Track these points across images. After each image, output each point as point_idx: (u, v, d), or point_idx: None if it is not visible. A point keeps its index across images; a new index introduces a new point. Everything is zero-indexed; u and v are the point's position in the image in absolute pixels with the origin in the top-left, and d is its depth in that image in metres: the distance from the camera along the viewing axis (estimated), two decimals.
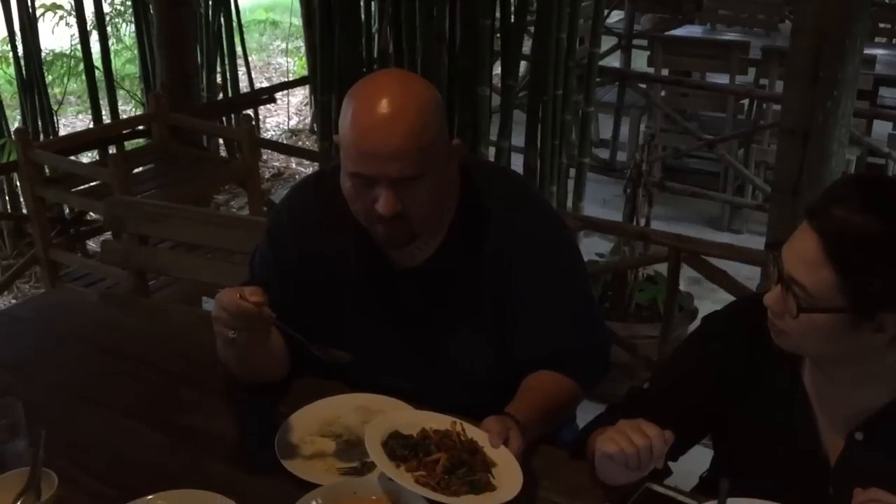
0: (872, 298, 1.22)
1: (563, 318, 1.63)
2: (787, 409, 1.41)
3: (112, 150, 4.43)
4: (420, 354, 1.65)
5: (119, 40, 6.99)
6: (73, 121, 7.08)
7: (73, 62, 6.23)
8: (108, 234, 3.54)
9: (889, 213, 1.21)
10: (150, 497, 1.37)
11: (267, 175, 6.02)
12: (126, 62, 7.40)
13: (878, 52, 5.46)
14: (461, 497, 1.30)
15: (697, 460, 1.69)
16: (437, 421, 1.45)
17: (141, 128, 4.34)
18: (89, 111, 5.13)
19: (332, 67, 4.08)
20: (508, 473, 1.34)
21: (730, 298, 3.23)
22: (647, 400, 1.52)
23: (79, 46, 4.95)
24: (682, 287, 3.27)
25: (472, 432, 1.42)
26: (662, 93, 5.30)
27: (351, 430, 1.55)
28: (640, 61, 6.74)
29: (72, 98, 7.22)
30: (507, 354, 1.63)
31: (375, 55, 4.22)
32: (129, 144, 4.74)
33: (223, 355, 1.57)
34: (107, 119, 4.95)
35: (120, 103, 5.18)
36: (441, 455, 1.35)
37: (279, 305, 1.65)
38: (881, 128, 5.16)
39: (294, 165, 6.23)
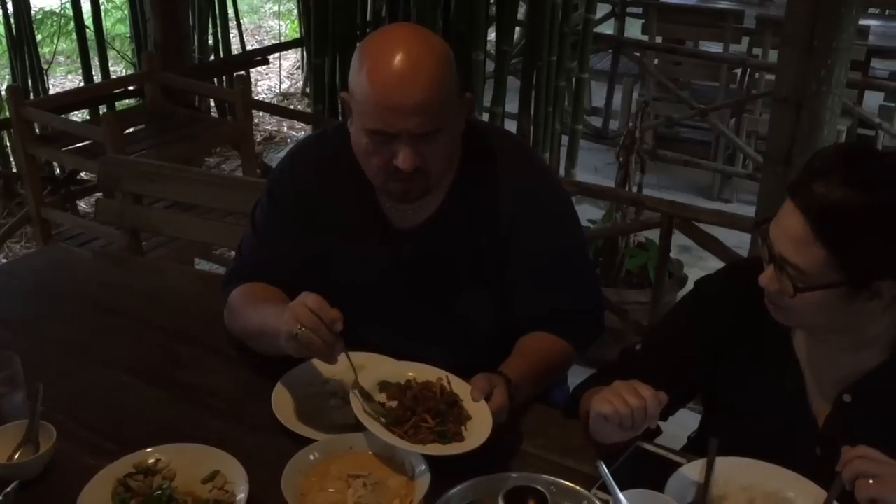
0: (865, 269, 1.23)
1: (561, 280, 1.64)
2: (778, 370, 1.44)
3: (104, 110, 4.40)
4: (420, 312, 1.67)
5: None
6: (62, 81, 7.00)
7: (63, 21, 6.16)
8: (100, 195, 3.53)
9: (869, 184, 1.21)
10: (148, 450, 1.39)
11: (259, 139, 5.99)
12: (117, 22, 7.32)
13: (872, 23, 5.45)
14: (427, 445, 1.33)
15: (685, 424, 1.72)
16: (425, 372, 1.47)
17: (132, 88, 4.30)
18: (79, 71, 5.09)
19: (326, 30, 4.06)
20: (479, 428, 1.37)
21: (719, 266, 3.27)
22: (640, 360, 1.54)
23: (69, 5, 4.89)
24: (672, 255, 3.30)
25: (457, 386, 1.45)
26: (656, 61, 5.28)
27: (345, 389, 1.55)
28: (633, 29, 6.71)
29: (61, 58, 7.15)
30: (506, 313, 1.65)
31: (370, 18, 4.20)
32: (120, 105, 4.71)
33: (256, 344, 1.60)
34: (98, 80, 4.90)
35: (110, 64, 5.12)
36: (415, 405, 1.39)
37: (285, 261, 1.68)
38: (872, 99, 5.17)
39: (286, 129, 6.21)
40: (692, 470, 1.35)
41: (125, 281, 2.03)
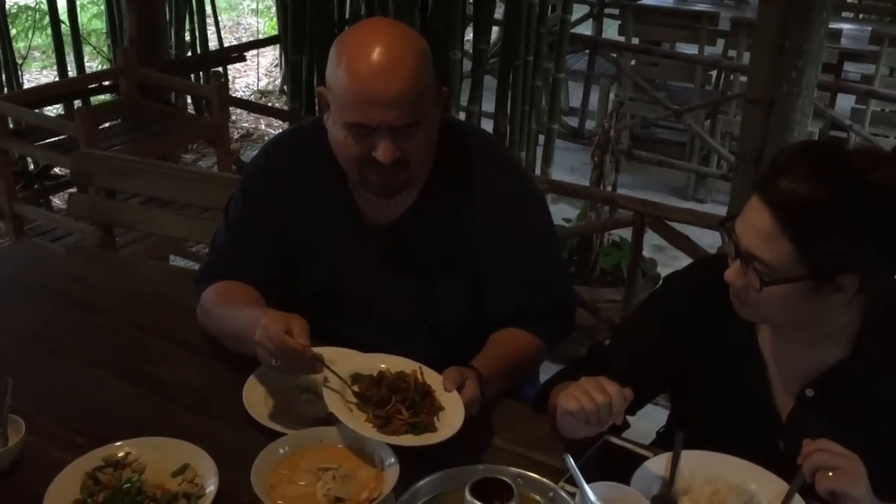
0: (830, 263, 1.25)
1: (532, 277, 1.66)
2: (742, 365, 1.46)
3: (79, 105, 4.36)
4: (393, 309, 1.67)
5: None
6: (37, 76, 6.93)
7: (38, 15, 6.10)
8: (73, 190, 3.50)
9: (833, 179, 1.23)
10: (118, 443, 1.39)
11: (236, 136, 5.97)
12: (93, 17, 7.26)
13: (845, 26, 5.53)
14: (400, 436, 1.34)
15: (655, 420, 1.74)
16: (398, 363, 1.49)
17: (108, 83, 4.27)
18: (54, 67, 5.05)
19: (303, 27, 4.06)
20: (451, 419, 1.38)
21: None
22: (608, 355, 1.56)
23: None
24: (646, 254, 3.33)
25: (430, 377, 1.46)
26: (632, 62, 5.32)
27: (317, 383, 1.55)
28: (610, 30, 6.76)
29: (36, 53, 7.08)
30: (478, 310, 1.66)
31: (348, 16, 4.19)
32: (95, 101, 4.67)
33: (230, 345, 1.62)
34: (73, 75, 4.86)
35: (86, 59, 5.09)
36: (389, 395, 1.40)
37: (259, 258, 1.68)
38: (845, 101, 5.24)
39: (263, 126, 6.19)
40: (658, 463, 1.37)
41: (97, 276, 2.02)
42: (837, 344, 1.39)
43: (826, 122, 4.81)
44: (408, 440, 1.34)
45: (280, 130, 5.92)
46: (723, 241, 1.36)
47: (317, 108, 4.14)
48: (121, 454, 1.38)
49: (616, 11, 6.58)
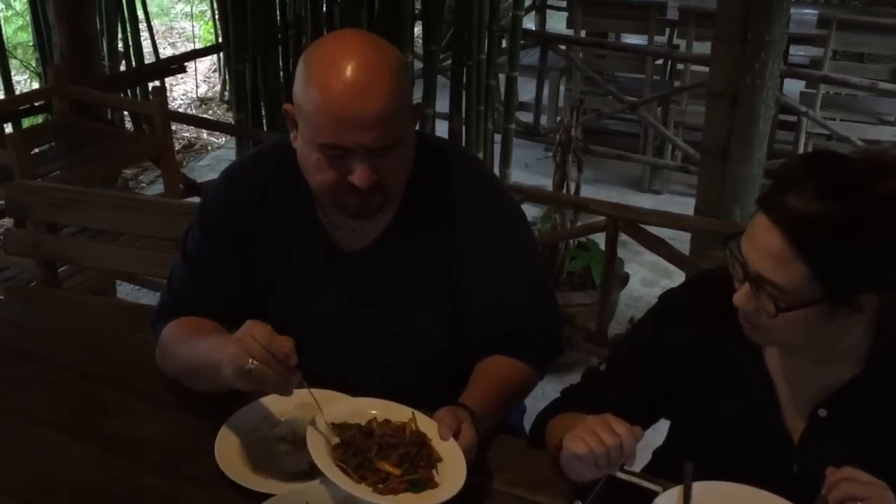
0: (848, 283, 1.18)
1: (516, 299, 1.57)
2: (749, 386, 1.39)
3: (8, 128, 4.12)
4: (371, 340, 1.57)
5: (9, 6, 6.55)
6: None
7: None
8: (8, 222, 3.29)
9: (843, 193, 1.16)
10: None
11: (177, 147, 5.76)
12: (18, 29, 6.95)
13: (792, 10, 5.54)
14: (398, 496, 1.24)
15: (649, 435, 1.66)
16: (390, 410, 1.38)
17: (39, 104, 4.05)
18: None
19: (244, 33, 3.91)
20: (453, 470, 1.28)
21: (657, 260, 3.27)
22: (605, 381, 1.48)
23: None
24: None
25: (423, 423, 1.36)
26: (580, 55, 5.28)
27: (296, 431, 1.45)
28: (553, 22, 6.71)
29: None
30: (461, 337, 1.57)
31: (290, 20, 4.05)
32: (27, 122, 4.44)
33: (193, 383, 1.50)
34: (0, 93, 4.61)
35: (13, 74, 4.84)
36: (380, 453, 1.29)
37: (222, 295, 1.57)
38: (792, 85, 5.26)
39: (206, 136, 5.99)
40: (668, 499, 1.28)
41: (39, 321, 1.87)
42: (849, 361, 1.32)
43: (777, 107, 4.81)
44: (407, 500, 1.23)
45: (224, 141, 5.74)
46: (728, 262, 1.28)
47: (264, 120, 4.03)
48: None
49: (559, 3, 6.53)
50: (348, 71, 1.31)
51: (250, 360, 1.27)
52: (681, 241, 3.23)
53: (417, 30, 4.35)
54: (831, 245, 1.16)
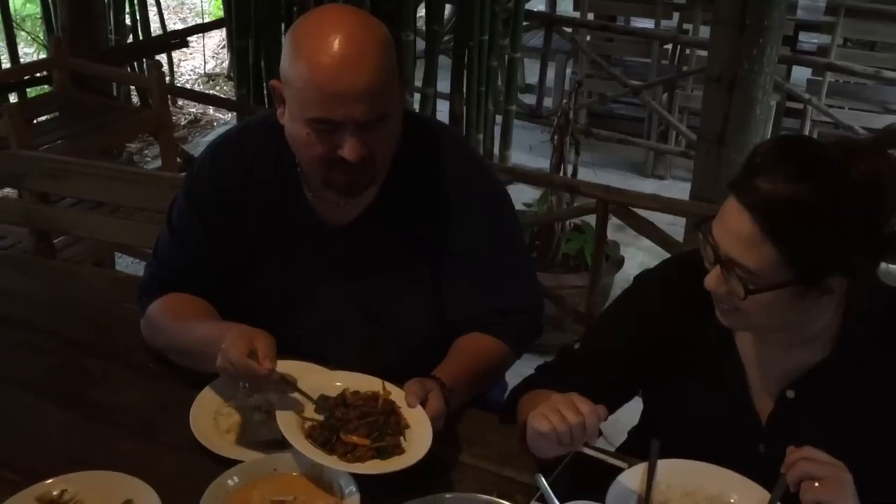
0: (817, 265, 1.19)
1: (496, 279, 1.58)
2: (719, 367, 1.40)
3: (13, 98, 4.15)
4: (353, 316, 1.59)
5: None
6: None
7: None
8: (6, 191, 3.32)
9: (814, 177, 1.17)
10: (49, 481, 1.28)
11: (183, 122, 5.78)
12: (27, 1, 6.97)
13: None
14: (366, 463, 1.26)
15: (625, 416, 1.67)
16: (359, 381, 1.40)
17: (41, 75, 4.07)
18: None
19: (248, 10, 3.91)
20: (419, 437, 1.30)
21: (654, 247, 3.27)
22: (578, 360, 1.49)
23: None
24: (608, 235, 3.26)
25: (394, 393, 1.38)
26: (588, 38, 5.25)
27: (270, 401, 1.46)
28: (564, 5, 6.67)
29: None
30: (442, 315, 1.58)
31: None
32: (32, 92, 4.46)
33: (181, 360, 1.54)
34: (6, 63, 4.64)
35: (21, 46, 4.85)
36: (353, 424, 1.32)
37: (207, 264, 1.59)
38: (800, 73, 5.23)
39: (212, 112, 6.00)
40: (633, 475, 1.30)
41: (30, 288, 1.89)
42: (819, 344, 1.33)
43: (783, 94, 4.79)
44: (375, 466, 1.25)
45: (230, 117, 5.75)
46: (700, 245, 1.28)
47: (266, 97, 4.03)
48: (56, 492, 1.27)
49: None
50: (336, 45, 1.32)
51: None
52: (681, 226, 3.23)
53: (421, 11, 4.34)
54: (801, 229, 1.16)
